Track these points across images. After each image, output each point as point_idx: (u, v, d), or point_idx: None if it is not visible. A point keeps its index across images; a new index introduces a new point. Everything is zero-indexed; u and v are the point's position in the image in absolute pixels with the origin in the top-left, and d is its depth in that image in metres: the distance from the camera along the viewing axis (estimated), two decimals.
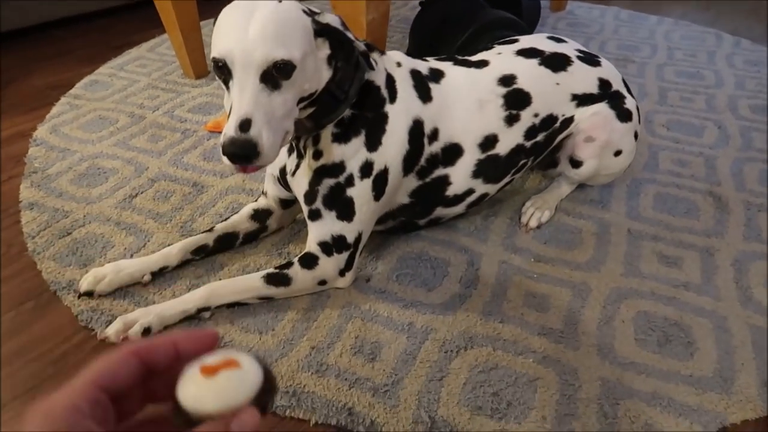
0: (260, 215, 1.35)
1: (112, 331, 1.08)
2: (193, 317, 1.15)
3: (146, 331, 1.09)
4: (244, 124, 0.90)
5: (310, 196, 1.16)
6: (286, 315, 1.17)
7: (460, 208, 1.35)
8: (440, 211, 1.34)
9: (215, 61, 0.94)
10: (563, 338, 1.13)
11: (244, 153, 0.91)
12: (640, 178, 1.61)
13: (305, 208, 1.18)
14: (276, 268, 1.19)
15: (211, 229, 1.31)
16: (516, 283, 1.26)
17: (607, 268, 1.30)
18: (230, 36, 0.92)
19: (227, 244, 1.32)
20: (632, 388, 1.03)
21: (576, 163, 1.40)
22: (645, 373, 1.06)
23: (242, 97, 0.92)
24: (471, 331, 1.14)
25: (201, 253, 1.29)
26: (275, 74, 0.93)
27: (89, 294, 1.19)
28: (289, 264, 1.19)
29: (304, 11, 1.00)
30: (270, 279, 1.17)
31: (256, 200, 1.38)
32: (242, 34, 0.91)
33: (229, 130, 0.90)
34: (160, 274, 1.25)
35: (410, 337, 1.12)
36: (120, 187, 1.56)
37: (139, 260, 1.24)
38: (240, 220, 1.33)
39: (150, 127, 1.85)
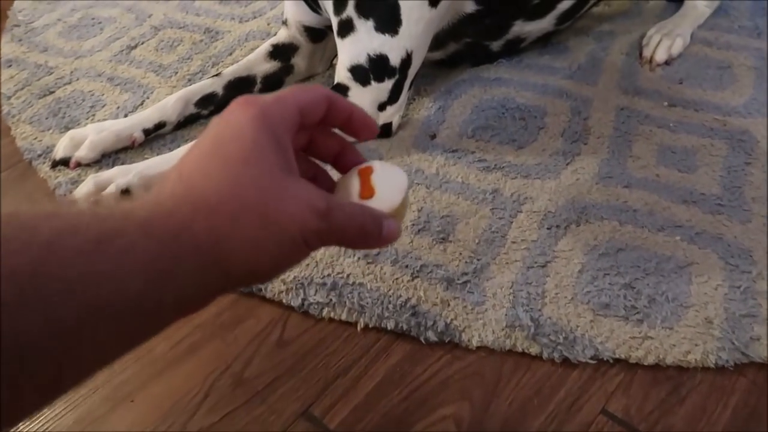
0: (282, 52, 1.01)
1: (81, 192, 0.81)
2: None
3: (124, 193, 0.81)
4: None
5: (339, 3, 0.81)
6: None
7: (547, 22, 1.00)
8: (520, 27, 0.98)
9: None
10: (723, 207, 0.77)
11: None
12: None
13: (334, 22, 0.84)
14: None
15: (218, 74, 0.99)
16: (645, 134, 0.89)
17: None
18: None
19: (242, 92, 0.98)
20: None
21: None
22: None
23: None
24: (584, 200, 0.79)
25: (208, 104, 0.97)
26: None
27: (65, 162, 0.90)
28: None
29: None
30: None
31: (275, 35, 1.04)
32: None
33: None
34: (156, 134, 0.95)
35: (496, 209, 0.79)
36: (117, 38, 1.24)
37: (128, 118, 0.94)
38: (255, 60, 1.00)
39: None
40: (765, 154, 0.83)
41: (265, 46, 1.02)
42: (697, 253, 0.72)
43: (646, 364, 0.63)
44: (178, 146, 0.92)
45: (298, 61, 1.02)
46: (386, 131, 0.91)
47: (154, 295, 0.33)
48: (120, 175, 0.82)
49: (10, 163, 0.97)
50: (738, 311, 0.65)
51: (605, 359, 0.63)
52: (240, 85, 0.99)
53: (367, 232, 0.40)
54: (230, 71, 0.99)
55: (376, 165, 0.46)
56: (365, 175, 0.46)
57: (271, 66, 1.01)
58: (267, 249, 0.36)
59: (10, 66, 1.18)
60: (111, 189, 0.81)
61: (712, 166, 0.82)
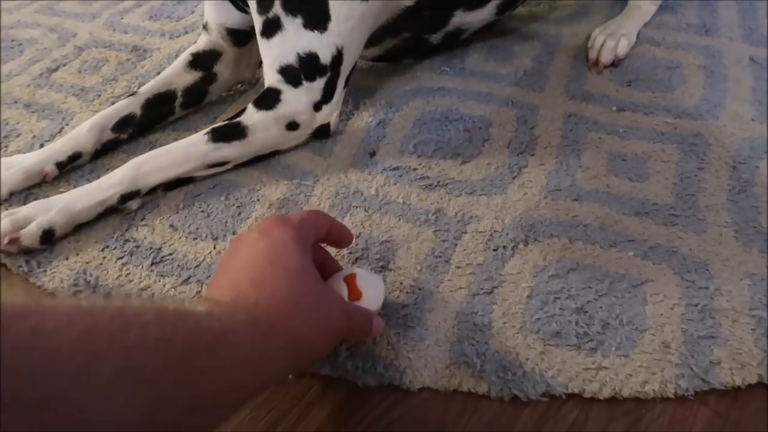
0: (203, 60, 0.94)
1: None
2: (114, 210, 0.78)
3: (47, 235, 0.74)
4: None
5: (263, 1, 0.77)
6: (254, 211, 0.79)
7: (487, 12, 0.96)
8: (460, 18, 0.95)
9: None
10: (677, 217, 0.73)
11: None
12: None
13: (258, 23, 0.79)
14: (224, 120, 0.83)
15: (134, 93, 0.91)
16: (594, 142, 0.84)
17: (730, 112, 0.87)
18: None
19: (162, 110, 0.92)
20: None
21: None
22: None
23: None
24: (531, 217, 0.74)
25: (126, 128, 0.89)
26: None
27: None
28: (242, 111, 0.83)
29: None
30: (217, 135, 0.80)
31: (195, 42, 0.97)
32: None
33: None
34: (70, 167, 0.87)
35: (439, 231, 0.74)
36: (37, 60, 1.15)
37: (39, 151, 0.86)
38: (174, 72, 0.93)
39: None
40: (718, 159, 0.79)
41: (184, 56, 0.95)
42: (651, 269, 0.67)
43: (601, 398, 0.57)
44: (98, 176, 0.84)
45: (222, 69, 0.95)
46: (324, 132, 0.86)
47: (253, 379, 0.45)
48: (39, 212, 0.75)
49: None
50: (696, 332, 0.61)
51: (558, 395, 0.58)
52: (159, 102, 0.91)
53: (366, 329, 0.57)
54: (147, 88, 0.91)
55: (358, 272, 0.61)
56: (351, 281, 0.60)
57: (192, 77, 0.94)
58: (322, 340, 0.51)
59: None
60: (32, 228, 0.73)
61: (664, 174, 0.78)
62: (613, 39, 0.99)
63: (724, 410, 0.56)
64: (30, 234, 0.73)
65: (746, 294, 0.64)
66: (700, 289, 0.64)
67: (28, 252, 0.75)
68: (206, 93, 0.96)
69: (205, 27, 0.95)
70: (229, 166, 0.83)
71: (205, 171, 0.81)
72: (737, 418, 0.56)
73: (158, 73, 1.06)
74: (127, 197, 0.77)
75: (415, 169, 0.82)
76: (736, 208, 0.73)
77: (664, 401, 0.57)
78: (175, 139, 0.85)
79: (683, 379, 0.57)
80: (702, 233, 0.70)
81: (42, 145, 0.94)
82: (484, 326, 0.63)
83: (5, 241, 0.73)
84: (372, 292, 0.60)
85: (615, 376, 0.58)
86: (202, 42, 0.95)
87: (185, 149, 0.80)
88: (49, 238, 0.74)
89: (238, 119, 0.81)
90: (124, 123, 0.89)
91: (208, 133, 0.80)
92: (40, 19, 1.30)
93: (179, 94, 0.93)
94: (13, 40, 1.23)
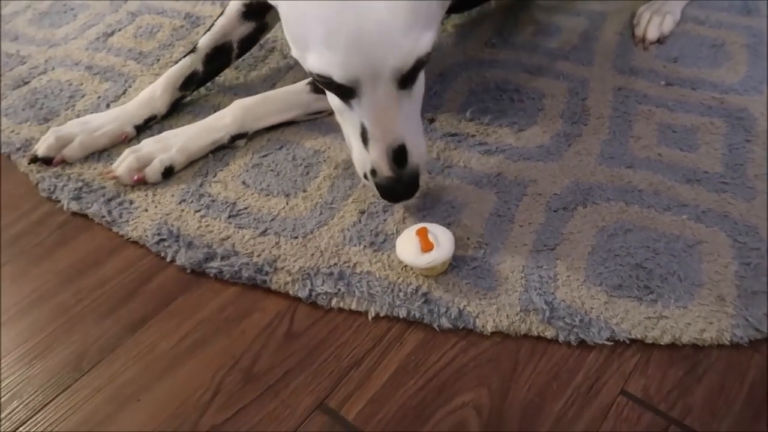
0: (255, 11, 0.95)
1: (123, 169, 0.81)
2: (224, 147, 0.86)
3: (168, 171, 0.82)
4: (400, 154, 0.66)
5: None
6: (321, 171, 0.83)
7: None
8: None
9: (320, 78, 0.63)
10: (726, 185, 0.77)
11: (410, 191, 0.69)
12: None
13: None
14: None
15: (193, 49, 0.95)
16: (644, 114, 0.88)
17: None
18: (341, 44, 0.59)
19: (220, 63, 0.96)
20: None
21: None
22: None
23: (383, 118, 0.65)
24: (588, 181, 0.78)
25: (191, 85, 0.94)
26: (416, 70, 0.64)
27: (47, 161, 0.86)
28: None
29: None
30: (318, 86, 0.83)
31: None
32: (360, 39, 0.59)
33: (382, 167, 0.67)
34: (146, 126, 0.91)
35: (500, 193, 0.78)
36: (92, 24, 1.19)
37: (114, 112, 0.90)
38: (229, 24, 0.95)
39: None
40: (764, 132, 0.83)
41: (237, 7, 0.96)
42: (704, 231, 0.72)
43: (662, 343, 0.62)
44: (163, 130, 0.88)
45: (271, 20, 0.97)
46: None
47: None
48: (160, 150, 0.82)
49: None
50: (750, 288, 0.65)
51: (621, 340, 0.63)
52: (218, 55, 0.95)
53: None
54: (206, 43, 0.94)
55: (428, 226, 0.68)
56: (422, 234, 0.66)
57: (246, 28, 0.96)
58: None
59: None
60: (155, 165, 0.81)
61: (713, 145, 0.82)
62: (659, 15, 1.03)
63: None
64: (153, 171, 0.81)
65: None
66: (752, 250, 0.69)
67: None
68: (256, 41, 0.99)
69: None
70: (323, 115, 0.88)
71: (305, 117, 0.88)
72: None
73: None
74: (236, 137, 0.85)
75: (473, 136, 0.86)
76: None
77: (720, 348, 0.62)
78: (231, 100, 0.89)
79: (738, 328, 0.62)
80: (752, 200, 0.75)
81: (108, 106, 0.98)
82: (550, 278, 0.68)
83: (133, 180, 0.81)
84: (442, 242, 0.66)
85: (675, 325, 0.63)
86: None
87: (288, 97, 0.87)
88: (169, 173, 0.83)
89: None
90: (189, 81, 0.93)
91: (309, 83, 0.86)
92: None
93: (235, 45, 0.96)
94: (64, 5, 1.26)
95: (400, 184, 0.67)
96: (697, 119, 0.86)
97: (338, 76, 0.61)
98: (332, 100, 0.70)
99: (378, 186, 0.68)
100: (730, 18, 1.06)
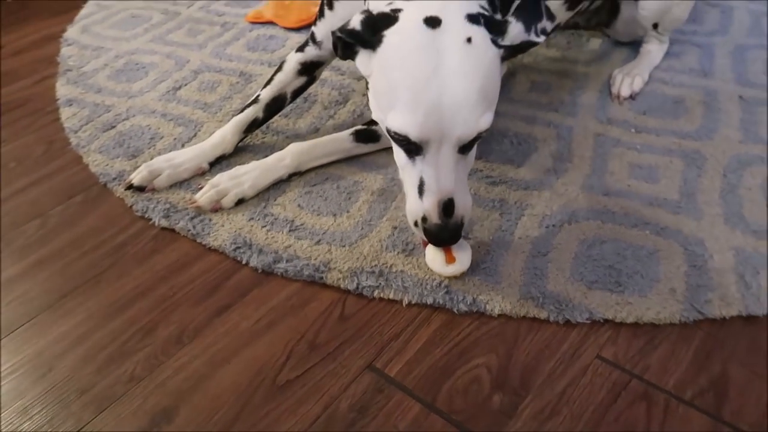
0: (309, 68, 1.17)
1: (205, 200, 1.03)
2: (282, 181, 1.08)
3: (240, 201, 1.04)
4: (448, 207, 0.78)
5: None
6: (360, 197, 1.04)
7: None
8: None
9: (396, 135, 0.77)
10: (681, 208, 0.98)
11: (453, 238, 0.81)
12: (745, 45, 1.40)
13: None
14: (363, 125, 1.12)
15: (256, 99, 1.17)
16: (617, 155, 1.10)
17: (722, 136, 1.12)
18: (421, 109, 0.74)
19: (276, 108, 1.18)
20: None
21: None
22: None
23: (441, 175, 0.78)
24: (572, 205, 1.00)
25: (252, 128, 1.17)
26: (474, 141, 0.79)
27: (140, 189, 1.08)
28: (373, 121, 1.08)
29: (493, 38, 0.78)
30: (360, 137, 1.10)
31: (301, 50, 1.17)
32: (438, 108, 0.74)
33: (432, 215, 0.79)
34: (216, 162, 1.13)
35: (504, 214, 0.99)
36: (162, 80, 1.43)
37: (193, 151, 1.12)
38: (286, 79, 1.17)
39: (186, 21, 1.69)
40: (713, 169, 1.05)
41: (293, 65, 1.16)
42: (662, 243, 0.92)
43: (628, 322, 0.82)
44: (231, 165, 1.10)
45: (319, 73, 1.20)
46: None
47: None
48: (235, 185, 1.04)
49: (86, 185, 1.14)
50: (695, 283, 0.85)
51: (597, 320, 0.82)
52: (275, 104, 1.17)
53: None
54: (267, 94, 1.16)
55: None
56: (448, 250, 0.84)
57: (299, 81, 1.18)
58: None
59: (71, 105, 1.36)
60: (230, 197, 1.03)
61: (671, 178, 1.04)
62: (630, 77, 1.26)
63: (714, 332, 0.81)
64: (228, 201, 1.03)
65: (731, 260, 0.89)
66: (698, 256, 0.89)
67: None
68: (304, 92, 1.21)
69: (314, 41, 1.13)
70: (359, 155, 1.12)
71: (345, 159, 1.11)
72: (722, 337, 0.80)
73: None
74: (292, 175, 1.08)
75: (481, 170, 1.08)
76: (725, 203, 0.98)
77: (672, 326, 0.82)
78: (282, 141, 1.14)
79: (686, 311, 0.82)
80: (700, 220, 0.95)
81: (183, 145, 1.20)
82: (543, 276, 0.88)
83: (212, 209, 1.03)
84: (463, 256, 0.86)
85: (638, 309, 0.83)
86: (311, 53, 1.16)
87: (335, 144, 1.09)
88: (240, 202, 1.04)
89: (374, 127, 1.09)
90: (252, 125, 1.16)
91: (352, 134, 1.09)
92: (155, 48, 1.57)
93: (289, 96, 1.18)
94: (136, 64, 1.51)
95: (445, 230, 0.78)
96: (660, 159, 1.08)
97: (414, 135, 0.75)
98: (399, 156, 0.82)
99: (426, 231, 0.79)
100: (690, 80, 1.29)
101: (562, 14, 1.21)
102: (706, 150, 1.10)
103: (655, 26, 1.31)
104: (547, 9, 0.84)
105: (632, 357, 0.78)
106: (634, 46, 1.40)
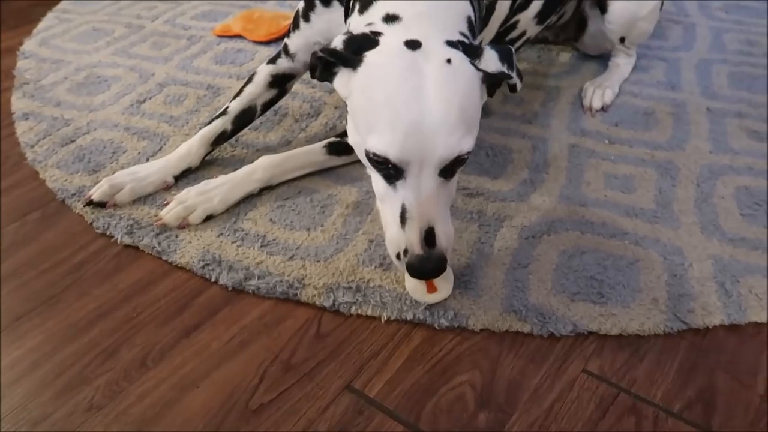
0: (280, 80, 1.14)
1: (170, 217, 0.98)
2: (251, 195, 1.04)
3: (208, 217, 1.00)
4: (430, 235, 0.75)
5: None
6: (335, 210, 1.01)
7: None
8: None
9: (376, 157, 0.75)
10: (658, 218, 0.98)
11: (437, 271, 0.76)
12: (709, 59, 1.43)
13: None
14: (336, 137, 1.10)
15: (225, 111, 1.13)
16: (592, 165, 1.10)
17: (693, 146, 1.13)
18: (402, 129, 0.72)
19: (245, 121, 1.15)
20: (750, 264, 0.88)
21: (603, 6, 1.29)
22: (761, 249, 0.91)
23: (422, 199, 0.75)
24: (551, 216, 0.98)
25: (220, 141, 1.12)
26: (456, 164, 0.77)
27: (101, 204, 1.02)
28: (344, 133, 1.04)
29: (471, 61, 0.78)
30: (332, 149, 1.07)
31: (273, 62, 1.14)
32: (419, 127, 0.72)
33: (415, 245, 0.75)
34: (182, 176, 1.08)
35: (482, 226, 0.97)
36: (125, 93, 1.38)
37: (158, 164, 1.07)
38: (256, 91, 1.14)
39: (151, 35, 1.65)
40: (686, 178, 1.05)
41: (264, 77, 1.14)
42: (642, 252, 0.91)
43: (612, 334, 0.80)
44: (197, 179, 1.06)
45: (290, 86, 1.17)
46: None
47: None
48: (204, 201, 0.99)
49: (43, 202, 1.08)
50: (677, 292, 0.84)
51: (581, 332, 0.80)
52: (244, 116, 1.13)
53: None
54: (236, 106, 1.13)
55: None
56: (429, 281, 0.80)
57: (270, 94, 1.15)
58: None
59: (27, 119, 1.30)
60: (198, 213, 0.98)
61: (646, 188, 1.04)
62: (601, 89, 1.27)
63: (697, 342, 0.79)
64: (196, 217, 0.98)
65: (710, 268, 0.88)
66: (678, 265, 0.89)
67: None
68: (274, 105, 1.18)
69: (287, 53, 1.11)
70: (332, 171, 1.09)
71: (319, 172, 1.08)
72: (706, 347, 0.79)
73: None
74: (264, 189, 1.04)
75: (457, 182, 1.06)
76: (700, 212, 0.98)
77: (656, 336, 0.80)
78: (252, 155, 1.11)
79: (669, 321, 0.81)
80: (677, 228, 0.95)
81: (147, 159, 1.15)
82: (525, 288, 0.86)
83: (180, 226, 0.98)
84: (444, 286, 0.82)
85: (622, 320, 0.81)
86: (282, 65, 1.13)
87: (308, 157, 1.06)
88: (209, 218, 0.99)
89: (346, 139, 1.01)
90: (219, 138, 1.11)
91: (325, 146, 1.06)
92: (119, 60, 1.52)
93: (259, 108, 1.15)
94: (98, 77, 1.45)
95: (428, 261, 0.74)
96: (634, 169, 1.08)
97: (394, 156, 0.73)
98: (378, 185, 0.79)
99: (408, 265, 0.75)
100: (659, 92, 1.31)
101: (532, 28, 1.21)
102: (678, 160, 1.10)
103: (622, 40, 1.33)
104: (518, 70, 0.82)
105: (618, 369, 0.77)
106: (603, 59, 1.41)
